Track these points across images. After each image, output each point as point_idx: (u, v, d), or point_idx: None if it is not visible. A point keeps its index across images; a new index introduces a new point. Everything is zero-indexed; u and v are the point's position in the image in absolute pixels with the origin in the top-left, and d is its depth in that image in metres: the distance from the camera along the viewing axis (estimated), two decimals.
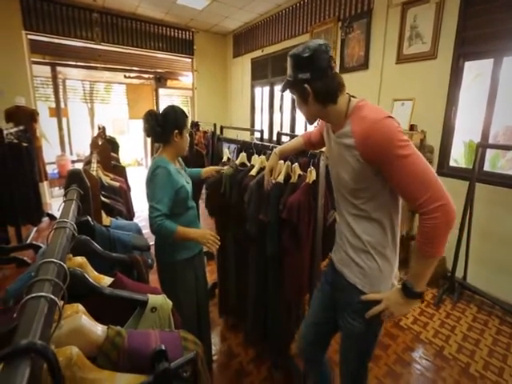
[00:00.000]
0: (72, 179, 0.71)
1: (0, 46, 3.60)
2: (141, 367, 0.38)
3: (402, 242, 2.64)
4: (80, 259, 0.54)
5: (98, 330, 0.39)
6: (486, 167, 2.36)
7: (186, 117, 1.29)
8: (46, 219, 3.43)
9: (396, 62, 2.69)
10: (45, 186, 4.00)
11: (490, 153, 2.45)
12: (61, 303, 0.34)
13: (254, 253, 1.44)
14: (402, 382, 1.51)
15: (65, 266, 0.38)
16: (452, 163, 2.55)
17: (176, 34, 4.90)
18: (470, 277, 2.23)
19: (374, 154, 0.75)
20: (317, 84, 0.80)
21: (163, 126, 1.23)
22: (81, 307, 0.40)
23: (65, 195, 0.68)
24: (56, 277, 0.34)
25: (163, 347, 0.32)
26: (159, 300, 0.56)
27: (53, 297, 0.30)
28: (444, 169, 2.49)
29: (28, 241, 2.86)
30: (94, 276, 0.54)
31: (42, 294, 0.30)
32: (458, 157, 3.02)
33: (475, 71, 2.30)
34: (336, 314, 1.00)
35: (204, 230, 1.26)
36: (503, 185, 2.10)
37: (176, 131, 1.25)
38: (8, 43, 3.65)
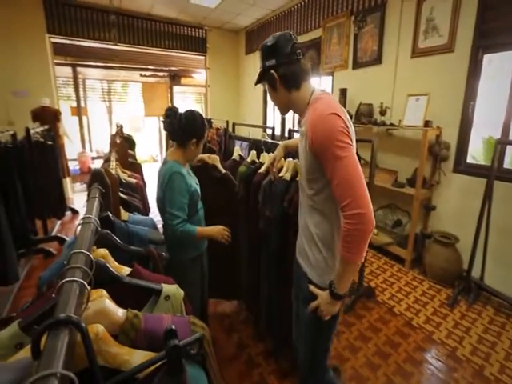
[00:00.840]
0: (94, 178, 0.78)
1: (26, 50, 3.81)
2: (155, 346, 0.44)
3: (415, 240, 2.60)
4: (102, 251, 0.61)
5: (119, 312, 0.45)
6: (506, 164, 2.27)
7: (206, 127, 1.32)
8: (68, 213, 3.63)
9: (411, 56, 2.62)
10: (67, 181, 4.21)
11: (510, 149, 2.35)
12: (88, 288, 0.40)
13: (263, 248, 1.49)
14: (412, 381, 1.51)
15: (91, 256, 0.44)
16: (470, 160, 2.47)
17: (189, 32, 4.98)
18: (487, 277, 2.16)
19: (316, 147, 0.77)
20: (282, 69, 0.85)
21: (183, 129, 1.26)
22: (104, 292, 0.46)
23: (88, 193, 0.75)
24: (84, 265, 0.40)
25: (173, 327, 0.37)
26: (172, 289, 0.62)
27: (83, 281, 0.36)
28: (461, 166, 2.42)
29: (53, 233, 3.06)
30: (114, 266, 0.61)
31: (75, 278, 0.36)
32: (477, 154, 2.91)
33: (495, 64, 2.20)
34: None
35: (218, 226, 1.33)
36: None
37: (194, 140, 1.28)
38: (33, 47, 3.86)
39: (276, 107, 0.97)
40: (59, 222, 3.35)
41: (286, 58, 0.85)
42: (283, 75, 0.85)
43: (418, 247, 2.66)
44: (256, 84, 0.95)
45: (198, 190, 1.37)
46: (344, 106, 3.18)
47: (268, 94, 0.96)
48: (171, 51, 4.99)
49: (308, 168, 0.85)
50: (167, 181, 1.21)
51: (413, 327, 1.91)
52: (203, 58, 5.36)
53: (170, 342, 0.36)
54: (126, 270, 0.62)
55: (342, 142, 0.73)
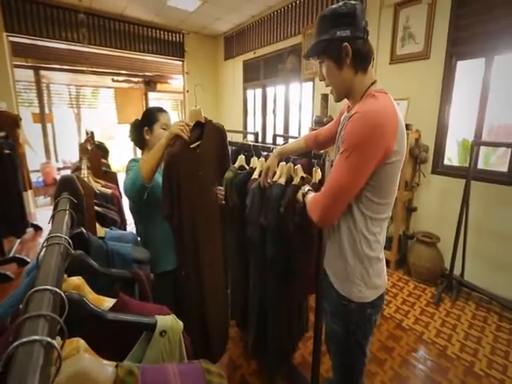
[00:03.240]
0: (63, 187, 0.63)
1: None
2: None
3: (398, 242, 2.63)
4: (76, 280, 0.46)
5: (105, 369, 0.32)
6: (480, 165, 2.39)
7: (160, 111, 1.25)
8: (30, 230, 3.24)
9: (390, 63, 2.70)
10: (29, 194, 3.81)
11: (482, 150, 2.48)
12: (59, 341, 0.27)
13: (256, 257, 1.38)
14: None
15: (61, 293, 0.30)
16: (446, 162, 2.57)
17: (166, 36, 4.80)
18: (467, 274, 2.24)
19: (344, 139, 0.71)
20: (357, 43, 0.72)
21: (136, 128, 1.24)
22: (81, 342, 0.33)
23: (55, 204, 0.60)
24: (52, 309, 0.27)
25: None
26: (169, 322, 0.49)
27: (49, 340, 0.23)
28: (438, 168, 2.51)
29: (11, 254, 2.69)
30: (93, 298, 0.47)
31: (36, 337, 0.23)
32: (452, 155, 3.06)
33: (467, 70, 2.33)
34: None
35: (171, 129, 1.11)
36: (496, 182, 2.13)
37: (146, 128, 1.22)
38: None
39: (332, 91, 0.82)
40: (18, 240, 2.97)
41: (361, 33, 0.71)
42: (358, 50, 0.72)
43: (402, 248, 2.70)
44: (309, 57, 0.79)
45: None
46: (326, 111, 3.21)
47: (325, 73, 0.79)
48: (146, 55, 4.77)
49: None
50: (126, 173, 1.17)
51: (404, 329, 1.90)
52: (180, 62, 5.20)
53: None
54: (108, 302, 0.48)
55: (367, 147, 0.68)
